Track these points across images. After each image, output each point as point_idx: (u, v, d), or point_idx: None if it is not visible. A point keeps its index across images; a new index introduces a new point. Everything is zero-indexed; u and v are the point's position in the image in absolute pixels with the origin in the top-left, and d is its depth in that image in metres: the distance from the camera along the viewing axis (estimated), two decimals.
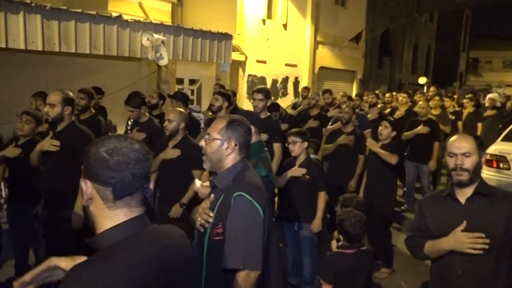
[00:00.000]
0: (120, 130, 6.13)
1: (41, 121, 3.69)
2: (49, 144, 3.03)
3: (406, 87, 19.04)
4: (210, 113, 5.96)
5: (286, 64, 12.79)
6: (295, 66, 13.16)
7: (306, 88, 7.80)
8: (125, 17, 6.05)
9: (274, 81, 12.46)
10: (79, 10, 5.41)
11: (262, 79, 12.03)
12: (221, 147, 1.85)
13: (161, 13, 10.04)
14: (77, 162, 3.14)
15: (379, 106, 7.35)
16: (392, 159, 3.98)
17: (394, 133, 4.07)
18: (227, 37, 7.53)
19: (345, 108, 4.70)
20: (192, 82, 10.83)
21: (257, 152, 2.57)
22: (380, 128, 4.14)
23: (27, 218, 3.57)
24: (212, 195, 1.84)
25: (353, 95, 11.77)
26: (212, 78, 10.99)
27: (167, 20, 10.05)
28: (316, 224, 3.52)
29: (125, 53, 5.98)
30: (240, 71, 11.23)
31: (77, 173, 3.16)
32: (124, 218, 1.10)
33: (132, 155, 1.11)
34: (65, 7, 5.20)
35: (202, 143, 1.90)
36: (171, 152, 3.49)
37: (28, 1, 4.89)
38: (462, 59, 27.17)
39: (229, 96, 4.59)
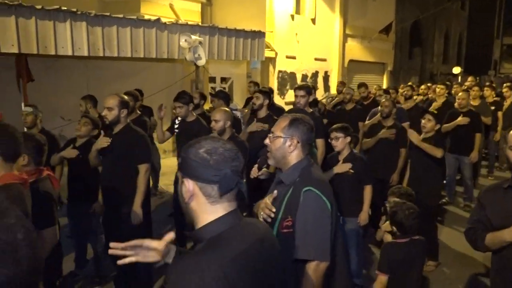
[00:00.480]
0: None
1: (98, 124, 3.90)
2: (102, 142, 3.21)
3: (437, 77, 18.60)
4: (246, 110, 6.07)
5: (316, 59, 12.77)
6: (324, 60, 13.11)
7: (341, 83, 7.80)
8: (141, 18, 6.22)
9: (304, 76, 12.46)
10: (121, 16, 5.62)
11: (292, 75, 12.07)
12: (284, 144, 1.94)
13: (191, 14, 10.23)
14: (134, 161, 3.33)
15: (415, 98, 7.25)
16: (438, 153, 3.97)
17: (437, 126, 4.06)
18: (259, 34, 7.61)
19: (385, 101, 4.70)
20: (223, 80, 11.01)
21: None
22: (423, 121, 4.13)
23: (85, 215, 3.79)
24: (276, 191, 1.93)
25: (384, 87, 11.65)
26: (243, 76, 11.13)
27: (197, 20, 10.23)
28: (363, 217, 3.57)
29: (163, 55, 6.16)
30: (271, 67, 11.30)
31: (134, 172, 3.36)
32: (223, 212, 1.21)
33: (227, 154, 1.22)
34: (107, 13, 5.40)
35: (266, 141, 1.99)
36: None
37: (74, 10, 5.11)
38: (496, 46, 26.25)
39: (269, 94, 4.69)
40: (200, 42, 5.83)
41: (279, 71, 11.63)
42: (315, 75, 12.89)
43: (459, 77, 15.48)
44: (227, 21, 9.28)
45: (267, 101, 4.59)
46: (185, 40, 5.79)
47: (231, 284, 1.07)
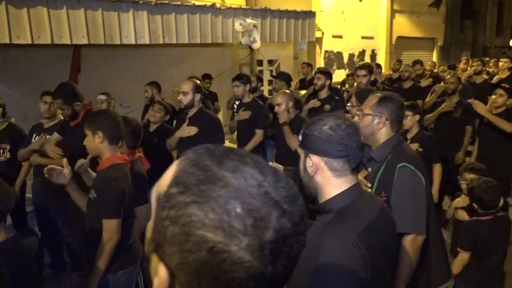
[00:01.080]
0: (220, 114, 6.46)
1: (169, 110, 4.09)
2: (189, 130, 3.37)
3: (491, 51, 17.64)
4: (301, 92, 6.09)
5: (362, 37, 12.47)
6: (371, 38, 12.78)
7: (398, 61, 7.61)
8: (198, 3, 6.33)
9: (351, 56, 12.23)
10: (178, 3, 5.77)
11: (339, 54, 11.88)
12: (372, 122, 1.99)
13: (236, 1, 10.28)
14: (206, 142, 3.48)
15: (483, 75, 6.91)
16: (508, 127, 3.85)
17: (510, 101, 3.93)
18: (310, 14, 7.56)
19: (450, 78, 4.59)
20: (270, 62, 11.02)
21: None
22: (493, 96, 4.00)
23: None
24: (369, 168, 1.99)
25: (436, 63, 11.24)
26: (290, 57, 11.08)
27: (242, 3, 10.25)
28: (434, 197, 3.56)
29: (218, 39, 6.28)
30: (317, 47, 11.17)
31: None
32: (348, 185, 1.29)
33: (350, 130, 1.30)
34: (166, 1, 5.56)
35: (355, 118, 2.05)
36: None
37: (136, 0, 5.31)
38: None
39: (330, 75, 4.70)
40: (254, 25, 5.89)
41: (326, 51, 11.48)
42: (362, 53, 12.61)
43: None
44: (272, 2, 9.26)
45: (328, 82, 4.62)
46: (240, 24, 5.86)
47: (364, 251, 1.16)
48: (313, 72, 7.34)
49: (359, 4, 12.09)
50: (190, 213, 0.50)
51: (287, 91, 4.07)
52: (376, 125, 1.99)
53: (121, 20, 5.26)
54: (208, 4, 6.15)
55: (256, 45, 5.94)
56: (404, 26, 13.68)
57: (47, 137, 3.50)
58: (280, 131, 3.76)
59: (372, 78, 4.50)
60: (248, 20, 5.80)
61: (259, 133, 4.35)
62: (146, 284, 2.61)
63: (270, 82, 9.40)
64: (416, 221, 1.81)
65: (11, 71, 6.30)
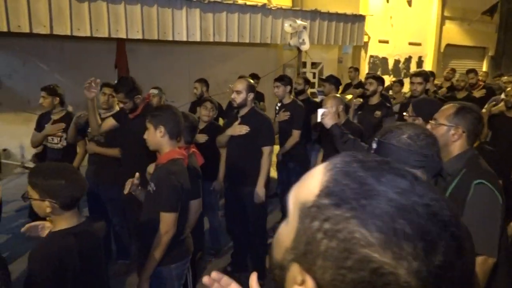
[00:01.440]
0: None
1: (217, 107, 4.13)
2: (240, 129, 3.38)
3: None
4: (347, 96, 5.99)
5: (410, 43, 12.13)
6: (419, 44, 12.41)
7: (452, 70, 7.35)
8: (249, 3, 6.34)
9: (396, 62, 11.94)
10: (230, 2, 5.81)
11: (384, 60, 11.62)
12: (447, 133, 1.90)
13: (285, 2, 10.25)
14: (259, 143, 3.49)
15: None
16: None
17: None
18: (360, 18, 7.43)
19: (511, 90, 4.36)
20: (313, 65, 10.93)
21: None
22: None
23: (206, 191, 4.05)
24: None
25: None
26: (334, 61, 10.95)
27: (287, 4, 10.21)
28: None
29: (267, 40, 6.28)
30: (362, 52, 10.97)
31: (259, 153, 3.51)
32: None
33: (429, 140, 1.25)
34: (219, 0, 5.61)
35: (428, 126, 1.97)
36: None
37: None
38: None
39: (383, 80, 4.60)
40: (304, 27, 5.84)
41: (371, 56, 11.26)
42: (408, 60, 12.28)
43: None
44: (318, 5, 9.17)
45: (380, 88, 4.52)
46: (290, 25, 5.83)
47: None
48: (359, 77, 7.24)
49: (408, 10, 11.77)
50: (352, 229, 0.48)
51: (337, 95, 4.02)
52: (451, 137, 1.90)
53: (175, 17, 5.36)
54: (259, 4, 6.15)
55: (305, 47, 5.89)
56: (454, 33, 13.20)
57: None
58: (329, 136, 3.71)
59: (428, 86, 4.35)
60: (298, 22, 5.75)
61: (296, 134, 4.34)
62: (194, 279, 2.63)
63: (312, 85, 9.34)
64: (489, 243, 1.72)
65: (67, 62, 6.56)
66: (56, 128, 3.87)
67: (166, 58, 8.09)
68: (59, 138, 3.91)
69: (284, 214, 4.52)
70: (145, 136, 2.31)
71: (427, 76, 4.26)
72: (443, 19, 12.69)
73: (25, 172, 5.29)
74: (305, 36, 5.83)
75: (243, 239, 3.79)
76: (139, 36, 5.14)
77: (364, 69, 11.19)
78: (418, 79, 4.14)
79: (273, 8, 6.22)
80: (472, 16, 13.14)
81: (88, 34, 4.79)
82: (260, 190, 3.47)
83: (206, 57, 8.46)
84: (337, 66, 10.85)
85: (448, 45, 13.08)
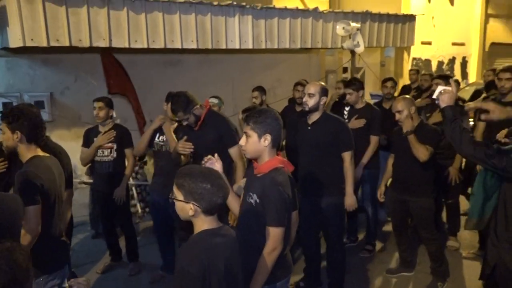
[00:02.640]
0: None
1: None
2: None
3: None
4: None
5: (453, 44, 11.70)
6: (462, 44, 11.97)
7: (492, 70, 6.89)
8: (300, 7, 6.19)
9: (440, 63, 11.52)
10: (282, 7, 5.69)
11: (427, 62, 11.23)
12: None
13: (320, 3, 10.08)
14: (337, 149, 3.29)
15: None
16: None
17: None
18: (410, 18, 7.18)
19: None
20: (355, 70, 10.67)
21: None
22: None
23: None
24: None
25: None
26: (376, 65, 10.66)
27: (325, 7, 10.06)
28: None
29: (318, 44, 6.12)
30: (405, 54, 10.65)
31: (337, 159, 3.32)
32: None
33: None
34: (271, 5, 5.50)
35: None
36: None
37: (244, 4, 5.29)
38: None
39: (458, 82, 4.33)
40: (358, 29, 5.64)
41: (413, 59, 10.91)
42: (451, 61, 11.85)
43: None
44: (358, 6, 8.93)
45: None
46: (343, 28, 5.64)
47: None
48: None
49: (450, 9, 11.38)
50: None
51: (407, 96, 3.78)
52: None
53: (228, 25, 5.28)
54: (311, 8, 6.01)
55: (360, 49, 5.68)
56: (500, 31, 12.67)
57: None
58: (401, 140, 3.48)
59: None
60: (353, 24, 5.56)
61: (375, 140, 4.10)
62: None
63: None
64: None
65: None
66: (106, 138, 3.79)
67: (210, 68, 8.04)
68: (109, 150, 3.84)
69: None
70: (242, 143, 2.14)
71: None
72: (487, 17, 12.21)
73: (81, 187, 5.27)
74: (359, 38, 5.63)
75: (317, 254, 3.59)
76: (194, 46, 5.08)
77: (407, 73, 10.84)
78: (507, 75, 3.78)
79: (324, 12, 6.05)
80: None
81: (145, 46, 4.75)
82: (351, 198, 3.28)
83: (249, 65, 8.35)
84: (379, 69, 10.56)
85: (493, 44, 12.56)
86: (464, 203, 4.56)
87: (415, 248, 4.05)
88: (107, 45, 4.54)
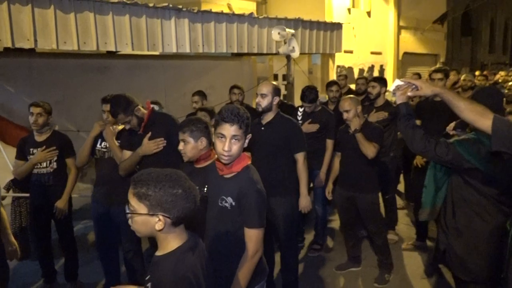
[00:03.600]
0: None
1: (214, 113, 3.88)
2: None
3: (488, 67, 18.02)
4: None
5: (372, 52, 12.59)
6: (380, 53, 12.92)
7: (417, 74, 7.48)
8: (237, 12, 6.23)
9: (361, 71, 12.30)
10: (219, 11, 5.65)
11: (350, 69, 11.92)
12: None
13: (247, 10, 10.25)
14: (288, 150, 3.29)
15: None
16: None
17: None
18: (337, 26, 7.53)
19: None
20: (284, 77, 10.95)
21: None
22: None
23: None
24: None
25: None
26: (304, 72, 11.06)
27: (252, 9, 10.23)
28: None
29: (254, 49, 6.16)
30: (330, 62, 11.19)
31: (288, 161, 3.32)
32: None
33: None
34: (211, 5, 5.43)
35: None
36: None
37: (180, 7, 5.17)
38: None
39: (386, 81, 4.61)
40: (292, 35, 5.79)
41: (338, 66, 11.51)
42: (371, 69, 12.71)
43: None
44: (282, 13, 9.19)
45: (384, 89, 4.51)
46: (279, 33, 5.75)
47: None
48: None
49: (368, 20, 12.23)
50: None
51: (353, 96, 3.90)
52: None
53: (164, 28, 5.11)
54: (246, 13, 6.05)
55: (295, 54, 5.83)
56: (410, 42, 13.89)
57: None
58: (347, 138, 3.60)
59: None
60: (288, 30, 5.69)
61: (331, 143, 4.15)
62: None
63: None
64: None
65: (35, 82, 6.03)
66: (44, 156, 3.48)
67: (141, 75, 7.72)
68: (48, 161, 3.51)
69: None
70: (226, 148, 1.91)
71: (447, 72, 4.24)
72: (399, 29, 13.33)
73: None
74: (295, 44, 5.78)
75: (272, 257, 3.56)
76: (129, 49, 4.84)
77: (333, 79, 11.41)
78: (439, 75, 4.05)
79: (259, 17, 6.13)
80: (424, 25, 13.94)
81: (76, 48, 4.41)
82: (305, 199, 3.30)
83: (182, 72, 8.18)
84: (307, 77, 10.96)
85: (405, 53, 13.73)
86: (399, 198, 4.85)
87: (360, 244, 4.21)
88: (32, 46, 4.14)
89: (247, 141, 1.95)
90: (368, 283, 3.72)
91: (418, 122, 4.02)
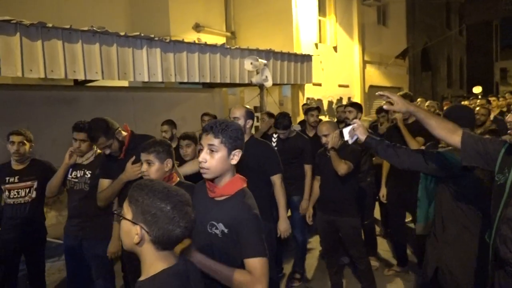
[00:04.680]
0: None
1: (197, 139, 3.79)
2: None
3: (449, 100, 18.90)
4: None
5: (339, 85, 12.94)
6: (347, 86, 13.29)
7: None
8: (209, 43, 6.26)
9: (330, 103, 12.56)
10: (191, 41, 5.66)
11: (319, 101, 12.15)
12: None
13: (218, 39, 10.39)
14: (263, 174, 3.21)
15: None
16: None
17: None
18: (307, 58, 7.71)
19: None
20: (256, 108, 11.03)
21: None
22: None
23: None
24: None
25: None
26: (275, 104, 11.18)
27: (222, 41, 10.35)
28: None
29: (226, 79, 6.16)
30: (300, 94, 11.39)
31: (264, 185, 3.22)
32: None
33: None
34: (180, 39, 5.43)
35: None
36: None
37: (152, 36, 5.13)
38: (496, 69, 26.97)
39: (361, 106, 4.67)
40: (265, 65, 5.85)
41: (307, 98, 11.72)
42: (339, 101, 13.00)
43: (479, 97, 15.73)
44: (251, 44, 9.40)
45: (360, 115, 4.57)
46: (251, 63, 5.80)
47: None
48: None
49: (335, 55, 12.65)
50: None
51: (331, 120, 3.92)
52: None
53: (135, 57, 5.04)
54: (219, 44, 6.08)
55: (268, 84, 5.88)
56: (375, 76, 14.43)
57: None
58: (325, 161, 3.57)
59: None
60: (260, 60, 5.76)
61: (309, 168, 4.08)
62: None
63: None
64: None
65: None
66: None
67: (110, 107, 7.54)
68: (27, 189, 3.26)
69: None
70: (203, 159, 1.73)
71: (412, 97, 4.49)
72: (364, 63, 13.84)
73: None
74: (268, 73, 5.84)
75: None
76: (99, 77, 4.71)
77: (302, 111, 11.60)
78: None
79: (232, 48, 6.18)
80: (387, 60, 14.55)
81: (42, 76, 4.25)
82: (285, 222, 3.18)
83: (153, 104, 8.07)
84: (277, 108, 11.08)
85: (371, 86, 14.20)
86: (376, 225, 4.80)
87: (342, 271, 4.09)
88: None
89: (235, 157, 1.77)
90: None
91: None
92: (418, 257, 4.24)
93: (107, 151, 2.86)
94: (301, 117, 11.48)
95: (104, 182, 2.92)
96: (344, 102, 13.26)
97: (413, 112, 2.14)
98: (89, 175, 3.15)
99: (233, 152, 1.76)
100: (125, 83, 8.28)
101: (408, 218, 4.59)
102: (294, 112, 11.11)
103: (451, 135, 1.99)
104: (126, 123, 7.19)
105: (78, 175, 3.17)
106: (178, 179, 2.47)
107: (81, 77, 4.56)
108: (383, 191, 4.38)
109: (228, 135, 1.73)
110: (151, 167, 2.30)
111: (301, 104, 11.55)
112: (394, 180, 4.20)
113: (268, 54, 6.79)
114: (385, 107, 2.23)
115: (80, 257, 3.10)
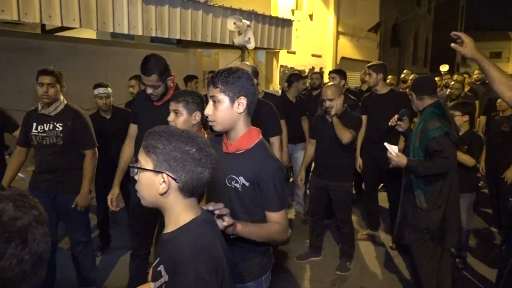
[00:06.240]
0: None
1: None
2: None
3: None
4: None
5: (312, 55, 12.92)
6: (320, 56, 13.30)
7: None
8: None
9: (302, 72, 12.56)
10: None
11: (292, 70, 12.12)
12: None
13: None
14: (264, 134, 3.18)
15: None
16: None
17: None
18: (288, 23, 7.59)
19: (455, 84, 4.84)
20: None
21: None
22: None
23: None
24: None
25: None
26: (249, 69, 11.04)
27: None
28: None
29: (207, 38, 5.97)
30: (274, 62, 11.29)
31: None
32: None
33: None
34: None
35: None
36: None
37: None
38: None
39: (345, 74, 4.70)
40: (248, 26, 5.71)
41: (281, 66, 11.65)
42: (311, 70, 13.02)
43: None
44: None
45: (343, 82, 4.60)
46: (234, 23, 5.63)
47: None
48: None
49: (310, 23, 12.55)
50: None
51: (337, 84, 3.87)
52: None
53: (115, 6, 4.75)
54: (202, 0, 5.84)
55: (251, 46, 5.75)
56: (347, 48, 14.50)
57: None
58: (324, 126, 3.55)
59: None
60: (244, 21, 5.60)
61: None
62: None
63: None
64: None
65: None
66: None
67: (79, 59, 7.15)
68: None
69: None
70: (209, 112, 1.64)
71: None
72: (337, 34, 13.84)
73: None
74: (250, 35, 5.70)
75: None
76: (76, 25, 4.42)
77: (276, 78, 11.54)
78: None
79: (214, 6, 5.96)
80: (360, 33, 14.62)
81: (16, 18, 3.92)
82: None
83: (123, 60, 7.71)
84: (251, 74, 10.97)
85: (342, 58, 14.29)
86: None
87: (323, 233, 4.22)
88: None
89: (240, 105, 1.62)
90: (330, 271, 3.73)
91: (364, 117, 4.10)
92: (391, 220, 4.41)
93: (149, 91, 2.63)
94: (275, 84, 11.47)
95: (133, 128, 2.85)
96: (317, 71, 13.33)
97: (478, 61, 2.07)
98: (60, 128, 2.92)
99: (237, 100, 1.63)
100: (93, 35, 7.83)
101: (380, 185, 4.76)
102: (267, 79, 11.05)
103: (507, 92, 2.02)
104: (98, 78, 6.89)
105: (46, 129, 2.92)
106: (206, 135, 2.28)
107: (57, 23, 4.26)
108: (359, 161, 4.38)
109: (229, 82, 1.61)
110: (179, 118, 2.17)
111: (275, 71, 11.50)
112: (368, 148, 4.23)
113: (250, 15, 6.62)
114: (453, 45, 2.13)
115: (51, 213, 2.95)
